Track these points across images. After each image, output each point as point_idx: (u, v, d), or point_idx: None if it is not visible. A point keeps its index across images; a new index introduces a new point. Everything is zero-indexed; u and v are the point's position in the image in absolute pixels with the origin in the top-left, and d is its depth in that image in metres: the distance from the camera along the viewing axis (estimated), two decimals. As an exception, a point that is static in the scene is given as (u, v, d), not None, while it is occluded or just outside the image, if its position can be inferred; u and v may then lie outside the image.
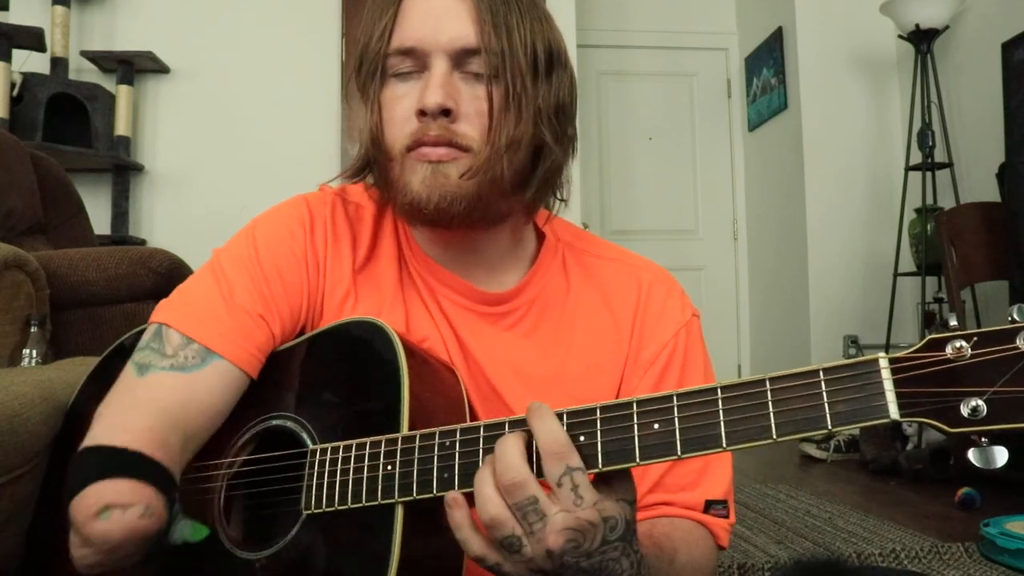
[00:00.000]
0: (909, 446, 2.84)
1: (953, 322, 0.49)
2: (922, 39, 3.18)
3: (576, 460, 0.55)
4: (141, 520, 0.61)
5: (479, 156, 0.71)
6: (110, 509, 0.60)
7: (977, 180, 3.11)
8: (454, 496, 0.58)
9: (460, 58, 0.71)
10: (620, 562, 0.56)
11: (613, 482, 0.57)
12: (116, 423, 0.66)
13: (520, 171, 0.73)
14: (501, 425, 0.60)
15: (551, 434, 0.55)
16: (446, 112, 0.70)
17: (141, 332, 0.81)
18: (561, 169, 0.78)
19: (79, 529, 0.61)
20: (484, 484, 0.56)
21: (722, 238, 4.34)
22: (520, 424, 0.59)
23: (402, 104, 0.72)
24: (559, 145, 0.75)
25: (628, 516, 0.57)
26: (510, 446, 0.56)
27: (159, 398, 0.69)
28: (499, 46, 0.71)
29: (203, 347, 0.71)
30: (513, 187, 0.74)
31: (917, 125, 3.22)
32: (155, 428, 0.66)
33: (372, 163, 0.77)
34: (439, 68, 0.71)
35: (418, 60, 0.72)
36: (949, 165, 3.15)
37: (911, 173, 3.27)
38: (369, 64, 0.73)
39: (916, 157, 3.25)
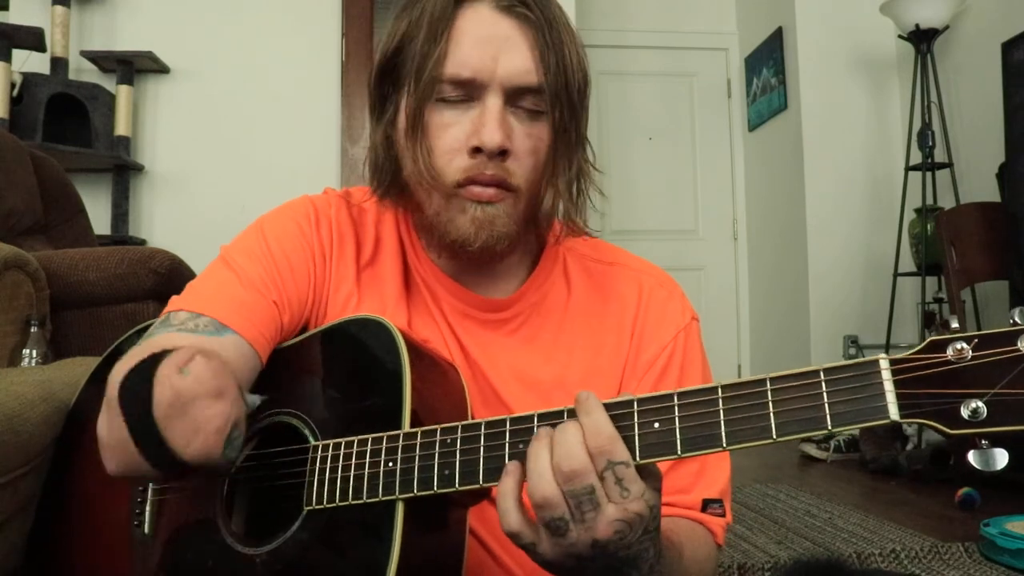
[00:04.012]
0: (909, 446, 2.85)
1: (955, 324, 0.49)
2: (922, 39, 3.18)
3: (619, 454, 0.54)
4: (211, 361, 0.62)
5: (525, 196, 0.72)
6: (183, 367, 0.61)
7: (977, 180, 3.12)
8: (514, 464, 0.57)
9: (515, 94, 0.70)
10: (648, 550, 0.57)
11: (648, 470, 0.56)
12: (128, 363, 0.65)
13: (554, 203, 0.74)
14: (502, 423, 0.60)
15: (595, 427, 0.54)
16: (502, 152, 0.69)
17: (140, 331, 0.81)
18: (586, 189, 0.78)
19: (173, 410, 0.60)
20: (540, 463, 0.54)
21: (722, 238, 4.34)
22: (522, 422, 0.59)
23: (450, 134, 0.71)
24: (587, 166, 0.76)
25: (659, 502, 0.57)
26: (570, 433, 0.54)
27: (166, 345, 0.67)
28: (558, 85, 0.70)
29: (215, 320, 0.70)
30: (548, 217, 0.75)
31: (917, 125, 3.22)
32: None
33: (401, 183, 0.76)
34: (494, 104, 0.69)
35: (470, 90, 0.70)
36: (949, 165, 3.15)
37: (911, 173, 3.28)
38: (421, 88, 0.70)
39: (916, 157, 3.25)
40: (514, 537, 0.56)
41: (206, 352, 0.63)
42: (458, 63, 0.69)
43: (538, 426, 0.58)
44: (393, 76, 0.74)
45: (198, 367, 0.61)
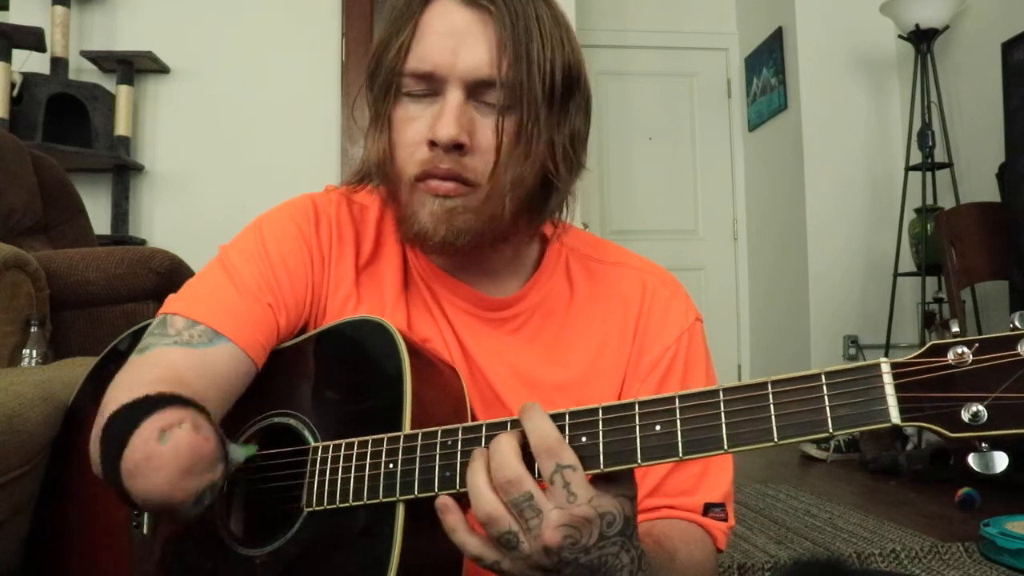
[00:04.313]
0: (909, 446, 2.85)
1: (955, 328, 0.49)
2: (922, 39, 3.18)
3: (567, 457, 0.54)
4: (198, 434, 0.61)
5: (488, 194, 0.71)
6: (166, 432, 0.60)
7: (977, 180, 3.12)
8: (444, 501, 0.58)
9: (475, 88, 0.70)
10: (620, 557, 0.56)
11: (613, 479, 0.56)
12: (125, 390, 0.65)
13: (527, 202, 0.73)
14: (503, 425, 0.60)
15: (540, 431, 0.55)
16: (458, 146, 0.69)
17: (138, 331, 0.81)
18: (568, 193, 0.77)
19: (139, 470, 0.60)
20: (478, 481, 0.55)
21: (722, 238, 4.33)
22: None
23: (413, 127, 0.71)
24: (570, 173, 0.75)
25: (627, 512, 0.57)
26: (503, 444, 0.55)
27: (165, 365, 0.68)
28: (515, 79, 0.69)
29: (209, 328, 0.70)
30: (519, 215, 0.73)
31: (917, 125, 3.22)
32: (166, 379, 0.66)
33: (379, 178, 0.76)
34: (453, 98, 0.69)
35: (433, 84, 0.70)
36: (949, 165, 3.15)
37: (911, 173, 3.28)
38: (383, 80, 0.71)
39: (916, 157, 3.25)
40: (479, 561, 0.57)
41: (197, 421, 0.62)
42: (419, 57, 0.70)
43: None
44: (375, 75, 0.75)
45: (179, 437, 0.60)
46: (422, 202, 0.71)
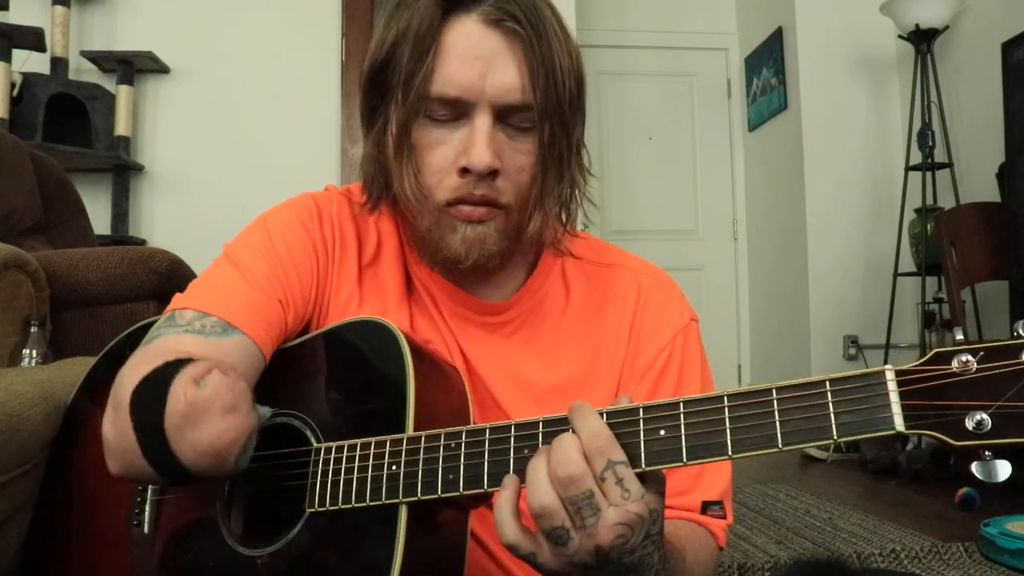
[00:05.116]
0: (909, 446, 2.85)
1: (959, 335, 0.49)
2: (922, 39, 3.18)
3: (619, 454, 0.54)
4: (226, 376, 0.62)
5: (516, 212, 0.71)
6: (199, 380, 0.61)
7: (977, 180, 3.12)
8: (511, 477, 0.58)
9: (505, 111, 0.69)
10: (653, 556, 0.56)
11: (646, 475, 0.56)
12: (140, 369, 0.64)
13: (552, 214, 0.74)
14: (507, 428, 0.60)
15: (592, 429, 0.55)
16: (492, 172, 0.68)
17: (136, 331, 0.81)
18: (581, 196, 0.77)
19: (187, 420, 0.60)
20: (538, 472, 0.55)
21: (722, 238, 4.33)
22: (527, 427, 0.59)
23: (438, 153, 0.70)
24: (581, 176, 0.76)
25: (662, 507, 0.57)
26: (567, 440, 0.55)
27: (178, 349, 0.66)
28: (547, 101, 0.68)
29: (222, 320, 0.69)
30: (543, 228, 0.74)
31: (917, 125, 3.22)
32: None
33: (393, 195, 0.75)
34: (482, 123, 0.68)
35: (459, 108, 0.69)
36: (949, 165, 3.15)
37: (911, 173, 3.28)
38: (408, 107, 0.69)
39: (916, 157, 3.25)
40: (512, 549, 0.56)
41: (223, 366, 0.63)
42: (445, 81, 0.68)
43: (543, 432, 0.58)
44: (381, 87, 0.72)
45: (216, 380, 0.61)
46: (452, 227, 0.71)
